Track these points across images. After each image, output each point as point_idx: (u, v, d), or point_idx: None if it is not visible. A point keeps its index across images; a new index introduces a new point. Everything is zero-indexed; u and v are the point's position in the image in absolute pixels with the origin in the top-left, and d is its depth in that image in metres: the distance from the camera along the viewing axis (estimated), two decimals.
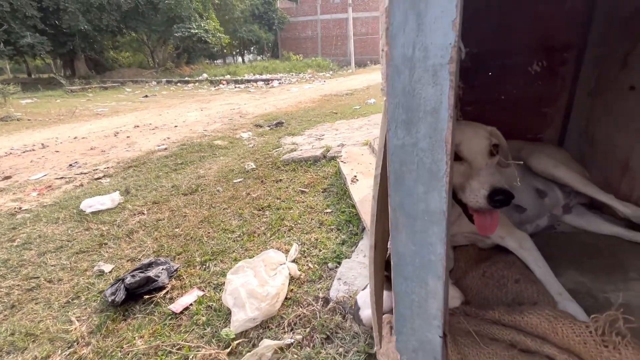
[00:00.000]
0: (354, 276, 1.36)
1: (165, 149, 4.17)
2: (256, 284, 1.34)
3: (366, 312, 1.09)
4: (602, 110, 1.52)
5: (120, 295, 1.46)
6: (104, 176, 3.38)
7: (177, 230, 2.10)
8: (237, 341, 1.19)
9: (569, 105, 1.68)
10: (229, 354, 1.15)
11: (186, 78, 14.76)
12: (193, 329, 1.33)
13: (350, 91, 9.14)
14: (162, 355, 1.22)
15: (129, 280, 1.51)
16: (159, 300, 1.50)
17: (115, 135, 5.23)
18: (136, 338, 1.31)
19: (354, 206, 1.95)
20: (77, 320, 1.44)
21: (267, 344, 1.09)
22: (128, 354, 1.24)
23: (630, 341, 0.71)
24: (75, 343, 1.33)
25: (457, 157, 0.95)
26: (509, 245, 1.16)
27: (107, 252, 1.95)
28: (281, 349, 1.12)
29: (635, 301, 0.99)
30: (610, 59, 1.46)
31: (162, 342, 1.26)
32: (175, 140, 4.62)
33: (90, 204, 2.51)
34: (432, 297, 0.48)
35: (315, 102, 7.57)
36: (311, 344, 1.14)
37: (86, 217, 2.38)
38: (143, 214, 2.40)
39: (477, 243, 1.23)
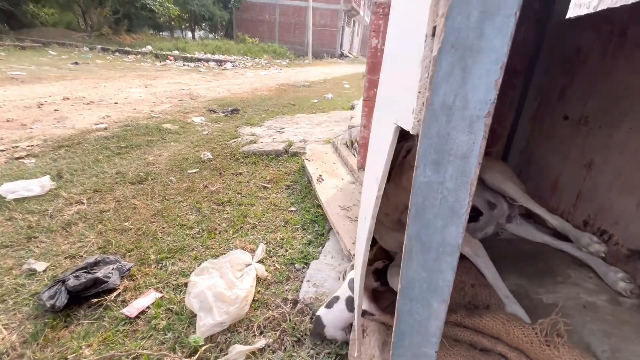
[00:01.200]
0: (323, 278, 1.39)
1: (105, 128, 3.74)
2: (224, 286, 1.29)
3: (331, 330, 1.12)
4: (539, 134, 1.74)
5: (62, 299, 1.30)
6: (27, 155, 2.93)
7: (126, 224, 1.92)
8: (204, 347, 1.15)
9: (514, 125, 1.90)
10: None
11: (126, 48, 13.27)
12: (152, 335, 1.24)
13: (308, 83, 9.10)
14: None
15: (72, 282, 1.35)
16: (109, 303, 1.37)
17: (39, 107, 4.54)
18: (83, 347, 1.19)
19: (319, 206, 1.98)
20: (5, 328, 1.26)
21: (239, 350, 1.07)
22: None
23: (566, 341, 0.85)
24: (5, 355, 1.15)
25: None
26: (464, 251, 1.29)
27: (38, 247, 1.71)
28: (253, 353, 1.11)
29: (561, 302, 1.18)
30: (551, 89, 1.68)
31: (117, 351, 1.16)
32: (117, 119, 4.17)
33: (12, 189, 2.17)
34: (435, 318, 0.53)
35: (272, 91, 7.40)
36: (282, 347, 1.15)
37: (7, 205, 2.05)
38: (82, 203, 2.14)
39: None
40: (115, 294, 1.40)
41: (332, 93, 7.50)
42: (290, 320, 1.25)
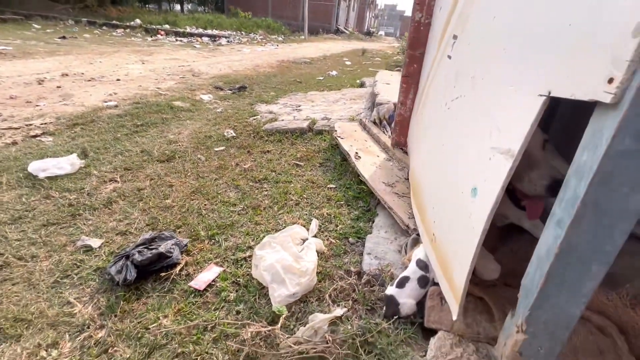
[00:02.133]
0: (383, 251, 1.44)
1: (116, 106, 3.63)
2: (291, 259, 1.33)
3: (407, 308, 1.16)
4: None
5: (132, 273, 1.32)
6: (43, 134, 2.84)
7: (167, 201, 1.92)
8: (282, 316, 1.19)
9: None
10: (281, 328, 1.15)
11: (114, 22, 12.62)
12: (224, 306, 1.28)
13: (308, 60, 8.90)
14: (197, 333, 1.16)
15: (137, 257, 1.36)
16: (175, 277, 1.39)
17: (40, 84, 4.34)
18: (160, 318, 1.22)
19: (360, 183, 2.00)
20: (78, 302, 1.27)
21: (321, 318, 1.12)
22: (157, 336, 1.15)
23: None
24: (86, 327, 1.18)
25: None
26: (524, 225, 1.35)
27: (85, 224, 1.70)
28: (333, 322, 1.16)
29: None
30: None
31: (199, 320, 1.20)
32: (125, 96, 4.04)
33: (43, 167, 2.12)
34: (591, 280, 0.57)
35: (274, 68, 7.22)
36: (357, 315, 1.20)
37: (41, 183, 2.01)
38: (116, 181, 2.12)
39: (496, 222, 1.40)
40: (178, 268, 1.43)
41: (335, 70, 7.37)
42: (359, 290, 1.30)
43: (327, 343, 1.06)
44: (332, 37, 19.80)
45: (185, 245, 1.54)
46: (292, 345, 1.06)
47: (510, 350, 0.70)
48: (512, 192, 1.12)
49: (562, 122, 1.50)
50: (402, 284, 1.20)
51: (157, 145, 2.67)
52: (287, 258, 1.33)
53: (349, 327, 1.13)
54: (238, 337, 1.13)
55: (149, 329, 1.18)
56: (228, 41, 12.08)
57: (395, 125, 2.21)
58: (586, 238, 0.54)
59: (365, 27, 24.07)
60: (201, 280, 1.38)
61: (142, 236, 1.54)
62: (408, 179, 1.90)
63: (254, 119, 3.32)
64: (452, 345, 1.03)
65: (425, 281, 1.19)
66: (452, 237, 0.96)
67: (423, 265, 1.21)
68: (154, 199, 1.93)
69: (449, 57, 1.32)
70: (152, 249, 1.42)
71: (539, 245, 0.66)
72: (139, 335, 1.15)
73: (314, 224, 1.60)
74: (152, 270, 1.38)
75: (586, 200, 0.51)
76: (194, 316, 1.24)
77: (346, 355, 1.05)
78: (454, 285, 0.93)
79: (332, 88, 5.51)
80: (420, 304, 1.19)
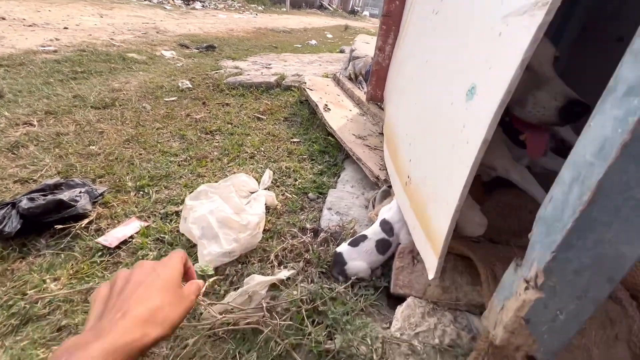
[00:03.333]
0: (347, 206, 1.19)
1: (55, 51, 3.12)
2: (230, 211, 1.05)
3: (354, 269, 0.93)
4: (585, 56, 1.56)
5: (13, 224, 0.99)
6: None
7: (92, 148, 1.57)
8: (213, 278, 0.92)
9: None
10: (204, 294, 0.88)
11: None
12: None
13: (288, 29, 8.38)
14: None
15: (25, 204, 1.03)
16: (79, 231, 1.08)
17: None
18: (47, 281, 0.91)
19: (328, 137, 1.73)
20: None
21: (259, 280, 0.86)
22: (38, 303, 0.85)
23: None
24: None
25: None
26: (512, 178, 1.13)
27: None
28: (276, 286, 0.90)
29: None
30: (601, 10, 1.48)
31: (93, 283, 0.91)
32: (69, 43, 3.51)
33: None
34: None
35: (250, 34, 6.69)
36: (309, 279, 0.95)
37: None
38: (31, 125, 1.73)
39: (482, 175, 1.17)
40: (86, 221, 1.11)
41: (315, 40, 6.94)
42: (313, 250, 1.04)
43: (264, 312, 0.80)
44: (315, 12, 19.01)
45: (101, 195, 1.22)
46: (217, 315, 0.80)
47: (512, 316, 0.47)
48: (507, 125, 0.88)
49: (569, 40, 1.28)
50: (356, 242, 0.96)
51: (96, 92, 2.27)
52: (225, 210, 1.04)
53: (295, 292, 0.87)
54: None
55: (27, 294, 0.87)
56: (203, 5, 11.23)
57: (372, 77, 1.93)
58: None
59: (350, 6, 23.30)
60: (114, 236, 1.07)
61: (43, 182, 1.20)
62: (382, 133, 1.65)
63: (216, 73, 2.93)
64: (424, 314, 0.80)
65: (386, 246, 0.95)
66: (433, 171, 0.71)
67: (388, 228, 0.97)
68: (76, 146, 1.58)
69: None
70: (49, 196, 1.09)
71: (579, 143, 0.41)
72: (10, 303, 0.85)
73: (267, 175, 1.32)
74: (47, 222, 1.06)
75: None
76: (96, 278, 0.94)
77: (288, 327, 0.80)
78: (432, 234, 0.69)
79: (310, 54, 5.13)
80: (387, 267, 0.96)
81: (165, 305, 0.42)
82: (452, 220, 0.60)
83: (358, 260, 0.93)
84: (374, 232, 0.98)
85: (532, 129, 0.83)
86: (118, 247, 1.05)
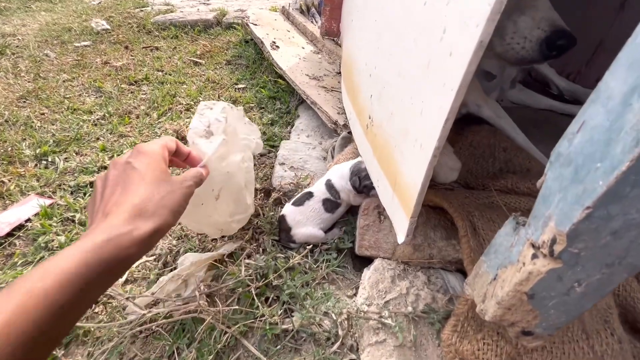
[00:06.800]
0: (302, 159, 1.01)
1: None
2: None
3: (301, 236, 0.78)
4: None
5: None
6: None
7: None
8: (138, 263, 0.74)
9: None
10: (127, 282, 0.70)
11: None
12: (43, 257, 0.78)
13: None
14: None
15: None
16: None
17: None
18: None
19: (278, 80, 1.48)
20: None
21: (194, 259, 0.69)
22: None
23: None
24: None
25: None
26: (484, 114, 1.01)
27: None
28: (220, 262, 0.74)
29: None
30: None
31: None
32: None
33: None
34: None
35: None
36: (260, 250, 0.80)
37: None
38: None
39: None
40: None
41: None
42: (264, 214, 0.88)
43: (203, 298, 0.64)
44: None
45: None
46: (141, 310, 0.63)
47: (510, 290, 0.34)
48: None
49: None
50: (301, 200, 0.81)
51: None
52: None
53: (243, 269, 0.72)
54: None
55: None
56: None
57: (325, 6, 1.64)
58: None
59: None
60: (3, 220, 0.83)
61: None
62: (340, 72, 1.43)
63: (141, 11, 2.43)
64: (394, 278, 0.69)
65: (335, 205, 0.81)
66: (401, 105, 0.54)
67: (334, 192, 0.80)
68: None
69: None
70: None
71: (620, 53, 0.25)
72: None
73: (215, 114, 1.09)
74: None
75: None
76: None
77: (234, 312, 0.66)
78: (402, 187, 0.54)
79: None
80: (351, 225, 0.83)
81: (154, 194, 0.40)
82: (428, 168, 0.45)
83: (304, 224, 0.78)
84: (319, 189, 0.82)
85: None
86: (11, 233, 0.82)
